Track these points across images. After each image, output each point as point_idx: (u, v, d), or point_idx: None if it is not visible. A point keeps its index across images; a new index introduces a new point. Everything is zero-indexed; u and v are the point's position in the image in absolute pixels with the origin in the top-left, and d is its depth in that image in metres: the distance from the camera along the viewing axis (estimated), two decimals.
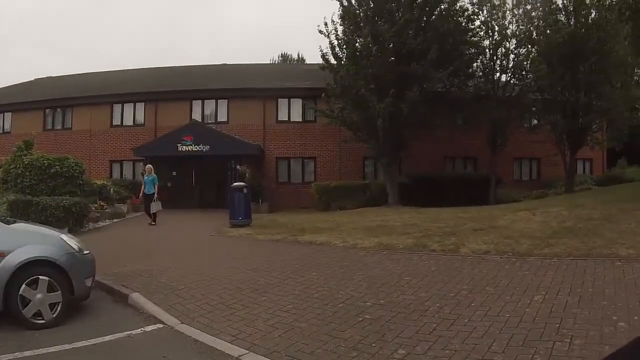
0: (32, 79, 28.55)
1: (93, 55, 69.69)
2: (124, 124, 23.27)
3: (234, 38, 73.29)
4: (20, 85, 27.26)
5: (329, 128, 21.22)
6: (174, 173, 21.65)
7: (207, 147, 20.28)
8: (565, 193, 19.51)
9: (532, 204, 15.21)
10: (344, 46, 18.43)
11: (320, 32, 18.55)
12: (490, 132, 20.40)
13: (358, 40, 18.04)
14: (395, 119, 17.60)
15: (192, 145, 20.31)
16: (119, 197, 18.83)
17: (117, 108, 23.29)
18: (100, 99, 23.01)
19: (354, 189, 19.93)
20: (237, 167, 20.22)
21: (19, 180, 14.07)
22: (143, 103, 23.08)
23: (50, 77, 28.44)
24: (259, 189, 19.84)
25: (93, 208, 15.34)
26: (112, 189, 18.06)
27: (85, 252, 5.81)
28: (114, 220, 16.24)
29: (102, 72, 27.59)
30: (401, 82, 17.47)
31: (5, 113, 24.03)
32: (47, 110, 23.68)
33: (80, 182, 14.77)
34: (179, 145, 20.33)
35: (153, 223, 14.58)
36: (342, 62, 18.46)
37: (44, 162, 14.24)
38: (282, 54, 45.70)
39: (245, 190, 13.41)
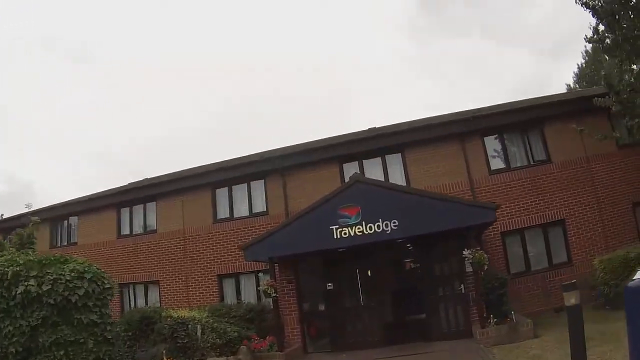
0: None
1: None
2: (235, 216, 14.15)
3: None
4: None
5: (577, 170, 12.41)
6: (330, 285, 11.46)
7: (393, 224, 9.97)
8: None
9: None
10: None
11: None
12: None
13: None
14: None
15: (359, 223, 10.28)
16: (221, 342, 9.14)
17: (222, 193, 14.45)
18: (195, 180, 14.49)
19: None
20: (465, 252, 9.64)
21: None
22: (262, 180, 14.07)
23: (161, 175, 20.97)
24: (502, 290, 10.16)
25: None
26: (197, 327, 8.38)
27: None
28: None
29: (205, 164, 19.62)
30: None
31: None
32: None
33: (97, 313, 6.15)
34: (334, 228, 10.29)
35: None
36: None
37: (7, 269, 5.76)
38: None
39: None
